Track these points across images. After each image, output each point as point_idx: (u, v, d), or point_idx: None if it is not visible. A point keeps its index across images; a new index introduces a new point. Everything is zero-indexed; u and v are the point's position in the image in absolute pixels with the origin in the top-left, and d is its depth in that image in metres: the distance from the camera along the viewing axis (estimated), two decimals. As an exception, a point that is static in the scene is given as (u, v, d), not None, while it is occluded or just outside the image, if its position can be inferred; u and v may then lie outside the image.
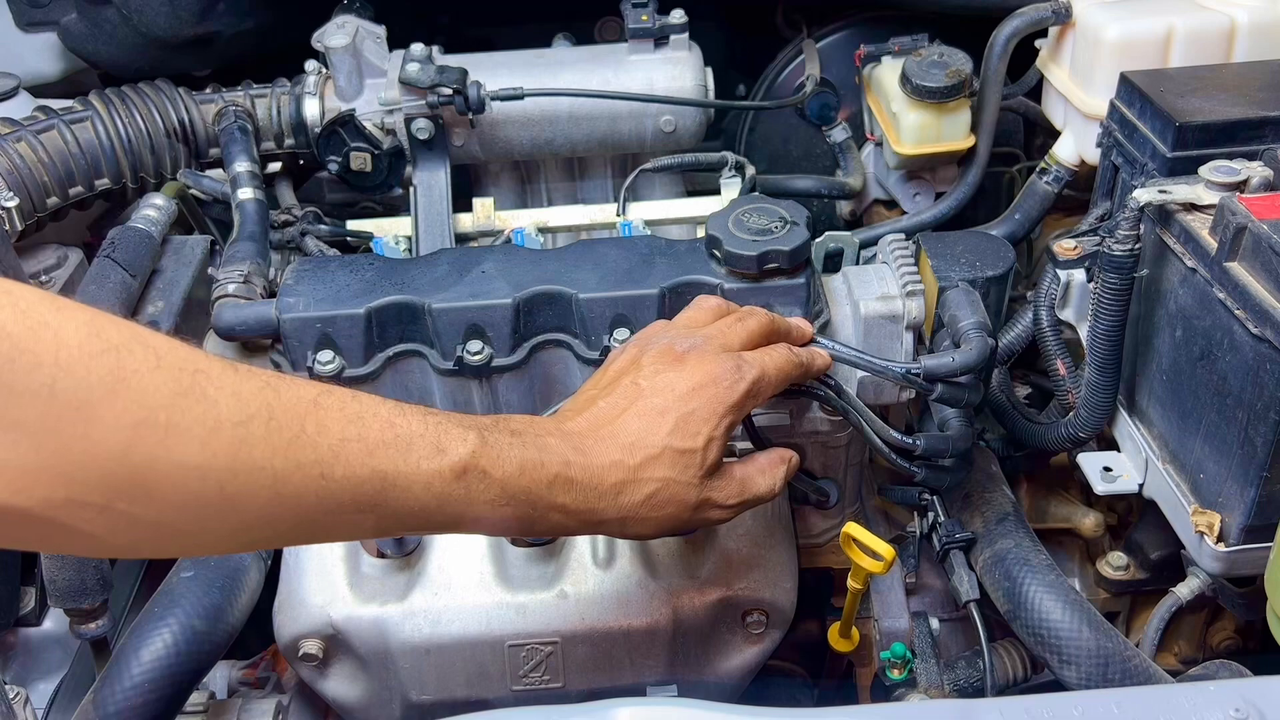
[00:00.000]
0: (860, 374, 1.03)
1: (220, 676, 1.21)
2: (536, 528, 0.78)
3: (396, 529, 0.74)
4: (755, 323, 0.89)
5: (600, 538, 1.04)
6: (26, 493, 0.54)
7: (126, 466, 0.56)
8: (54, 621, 1.22)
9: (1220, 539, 0.96)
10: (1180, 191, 0.95)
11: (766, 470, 0.87)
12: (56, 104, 1.35)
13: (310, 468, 0.63)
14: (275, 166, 1.46)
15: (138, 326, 0.59)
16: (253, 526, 0.63)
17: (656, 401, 0.80)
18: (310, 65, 1.40)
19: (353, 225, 1.37)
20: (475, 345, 1.01)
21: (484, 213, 1.39)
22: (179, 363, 0.59)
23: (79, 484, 0.56)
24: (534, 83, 1.33)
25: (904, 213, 1.46)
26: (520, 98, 1.31)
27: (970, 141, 1.36)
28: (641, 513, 0.79)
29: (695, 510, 0.81)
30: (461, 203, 1.39)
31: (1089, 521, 1.26)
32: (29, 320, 0.54)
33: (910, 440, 0.98)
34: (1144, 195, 0.95)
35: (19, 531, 0.58)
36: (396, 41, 1.39)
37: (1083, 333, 1.10)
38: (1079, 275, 1.09)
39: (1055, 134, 1.35)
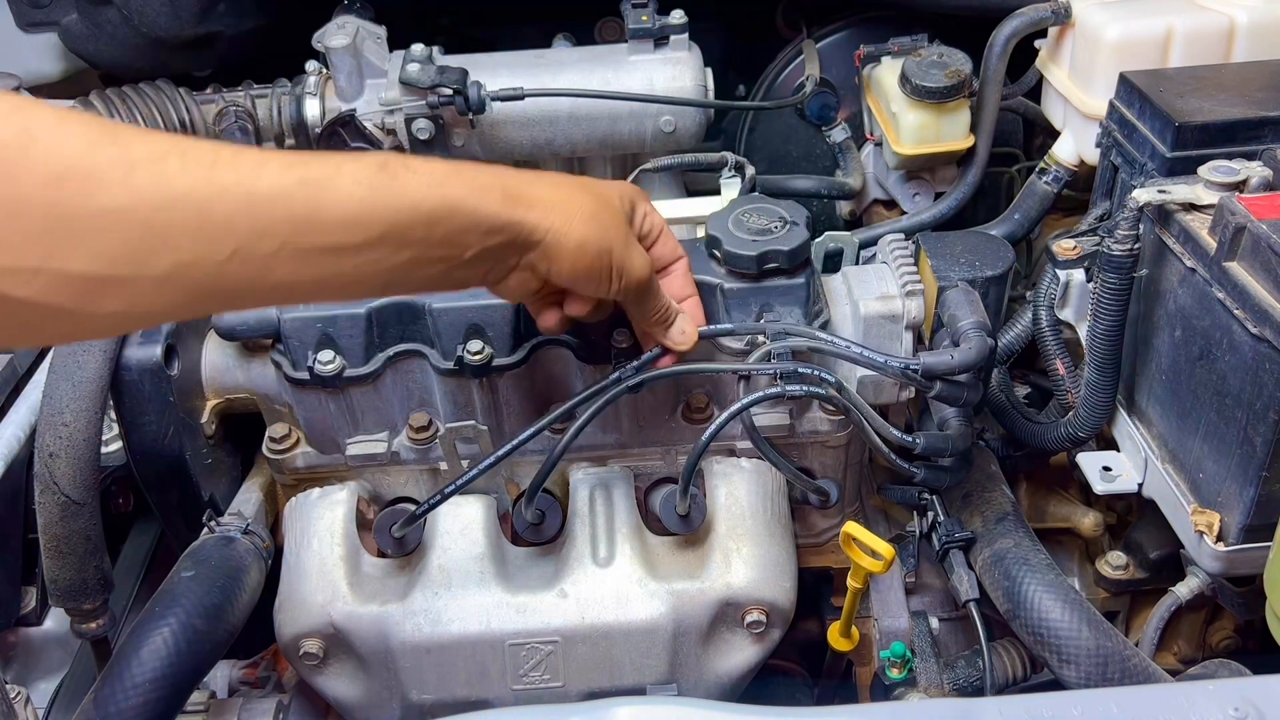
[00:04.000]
0: (860, 373, 1.03)
1: (221, 676, 1.21)
2: (484, 215, 0.75)
3: (339, 251, 0.68)
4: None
5: (600, 537, 1.04)
6: None
7: (53, 221, 0.56)
8: (55, 621, 1.22)
9: (1219, 538, 0.96)
10: (1179, 191, 0.96)
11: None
12: (57, 104, 1.35)
13: (234, 187, 0.62)
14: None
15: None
16: (190, 265, 0.62)
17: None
18: (311, 65, 1.40)
19: (353, 225, 1.37)
20: (476, 345, 1.01)
21: (484, 213, 1.39)
22: (83, 119, 0.60)
23: (10, 248, 0.56)
24: (534, 83, 1.33)
25: (903, 213, 1.46)
26: (520, 98, 1.31)
27: (970, 141, 1.37)
28: (588, 209, 0.81)
29: (627, 240, 0.85)
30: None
31: (1088, 521, 1.26)
32: None
33: (910, 439, 0.98)
34: (1143, 195, 0.95)
35: None
36: (397, 42, 1.39)
37: (1082, 333, 1.10)
38: (1078, 275, 1.10)
39: (1055, 134, 1.35)
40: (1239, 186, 0.94)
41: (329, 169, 0.67)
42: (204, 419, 1.11)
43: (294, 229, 0.65)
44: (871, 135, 1.51)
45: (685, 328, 0.94)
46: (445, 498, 0.98)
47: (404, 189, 0.70)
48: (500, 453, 0.95)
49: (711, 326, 0.98)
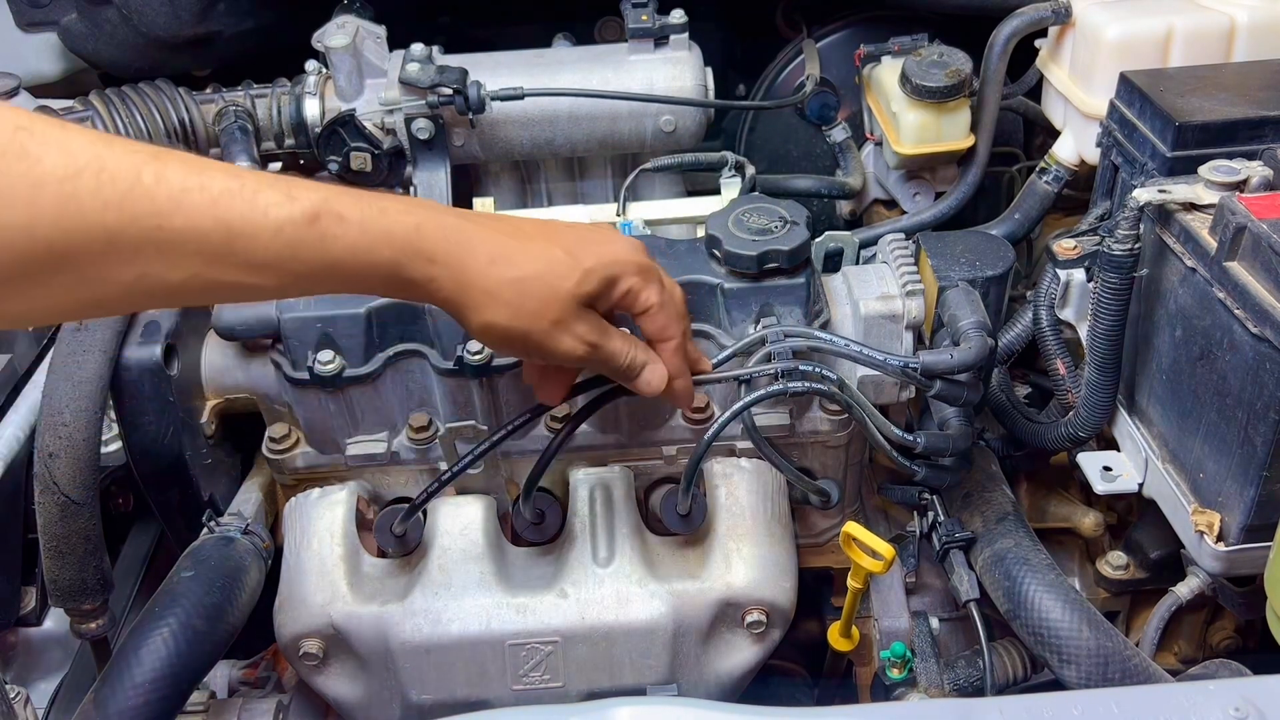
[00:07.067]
0: (860, 372, 1.03)
1: (220, 676, 1.21)
2: (405, 282, 0.73)
3: (250, 290, 0.68)
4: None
5: (600, 537, 1.04)
6: None
7: None
8: (54, 621, 1.22)
9: (1220, 538, 0.96)
10: (1180, 191, 0.96)
11: (636, 344, 0.85)
12: (57, 104, 1.35)
13: (146, 219, 0.60)
14: (276, 166, 1.46)
15: None
16: (92, 283, 0.61)
17: (562, 228, 0.82)
18: (310, 65, 1.40)
19: (353, 225, 1.37)
20: (476, 345, 1.01)
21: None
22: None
23: None
24: (534, 83, 1.33)
25: (904, 212, 1.46)
26: (520, 98, 1.31)
27: (970, 141, 1.37)
28: (506, 294, 0.76)
29: (554, 324, 0.79)
30: (462, 203, 1.39)
31: (1089, 521, 1.26)
32: None
33: (911, 438, 0.98)
34: (1144, 195, 0.95)
35: None
36: (397, 41, 1.39)
37: (1083, 332, 1.10)
38: (1079, 275, 1.10)
39: (1055, 134, 1.35)
40: (1239, 186, 0.94)
41: (255, 212, 0.65)
42: (204, 419, 1.11)
43: (205, 265, 0.64)
44: (871, 135, 1.51)
45: (650, 378, 0.86)
46: (444, 484, 0.98)
47: (327, 250, 0.68)
48: (495, 437, 0.94)
49: (704, 375, 0.95)
